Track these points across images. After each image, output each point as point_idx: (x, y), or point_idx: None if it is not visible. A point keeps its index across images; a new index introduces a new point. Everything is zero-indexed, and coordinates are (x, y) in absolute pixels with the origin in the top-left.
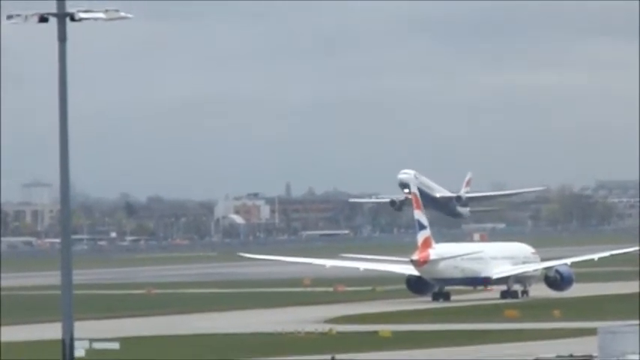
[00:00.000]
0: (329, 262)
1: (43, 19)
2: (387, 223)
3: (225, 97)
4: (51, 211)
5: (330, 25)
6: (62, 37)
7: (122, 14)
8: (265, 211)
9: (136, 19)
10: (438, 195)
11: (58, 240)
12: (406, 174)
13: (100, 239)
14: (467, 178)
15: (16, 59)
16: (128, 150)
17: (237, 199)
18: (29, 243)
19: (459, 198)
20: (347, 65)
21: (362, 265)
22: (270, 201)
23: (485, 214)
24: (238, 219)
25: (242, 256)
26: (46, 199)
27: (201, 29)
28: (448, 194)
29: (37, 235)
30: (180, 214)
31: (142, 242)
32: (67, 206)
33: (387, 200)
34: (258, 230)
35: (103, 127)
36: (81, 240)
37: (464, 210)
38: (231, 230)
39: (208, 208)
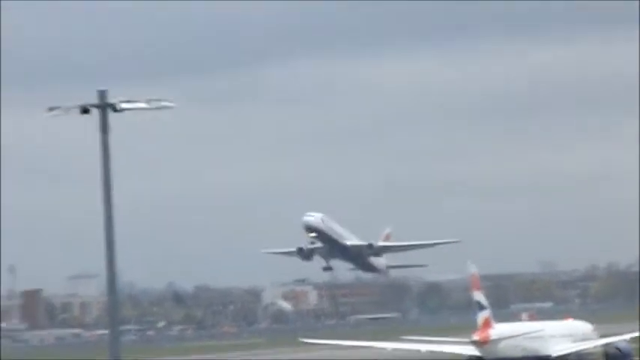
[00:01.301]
0: (391, 345)
1: (85, 110)
2: (436, 305)
3: (273, 185)
4: (98, 302)
5: (373, 108)
6: (104, 129)
7: (164, 103)
8: (313, 296)
9: (179, 106)
10: (348, 243)
11: (106, 331)
12: (312, 216)
13: (148, 329)
14: (385, 232)
15: (60, 147)
16: (174, 239)
17: (284, 285)
18: (77, 335)
19: (370, 246)
20: (391, 149)
21: (423, 347)
22: (317, 286)
23: (529, 292)
24: (286, 305)
25: (297, 342)
26: (93, 290)
27: (244, 114)
28: (359, 242)
29: (85, 326)
30: (228, 301)
31: (190, 331)
32: (115, 297)
33: (294, 250)
34: (306, 315)
35: (148, 216)
36: (129, 330)
37: (379, 262)
38: (280, 316)
39: (255, 295)
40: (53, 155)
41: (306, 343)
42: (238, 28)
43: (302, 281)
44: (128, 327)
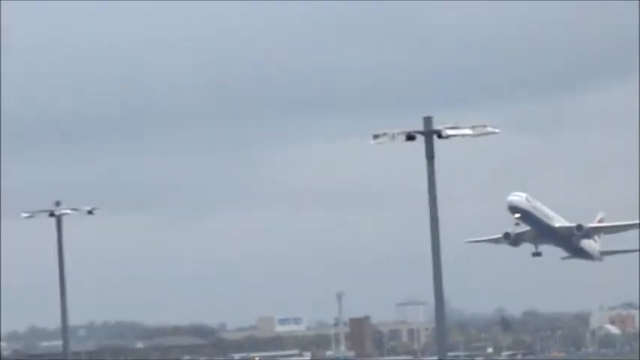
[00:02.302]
0: None
1: (410, 137)
2: None
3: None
4: (427, 329)
5: None
6: (430, 155)
7: (489, 129)
8: None
9: (504, 131)
10: (556, 225)
11: (435, 358)
12: (516, 196)
13: (477, 355)
14: (598, 217)
15: (384, 174)
16: (503, 264)
17: (611, 309)
18: None
19: (579, 227)
20: None
21: None
22: None
23: None
24: (613, 329)
25: None
26: (422, 317)
27: (566, 139)
28: (567, 224)
29: (413, 353)
30: (556, 327)
31: (518, 356)
32: (443, 323)
33: (500, 236)
34: (633, 340)
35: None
36: (457, 357)
37: (591, 247)
38: (607, 341)
39: (583, 319)
40: (377, 182)
41: None
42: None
43: (629, 304)
44: (457, 353)
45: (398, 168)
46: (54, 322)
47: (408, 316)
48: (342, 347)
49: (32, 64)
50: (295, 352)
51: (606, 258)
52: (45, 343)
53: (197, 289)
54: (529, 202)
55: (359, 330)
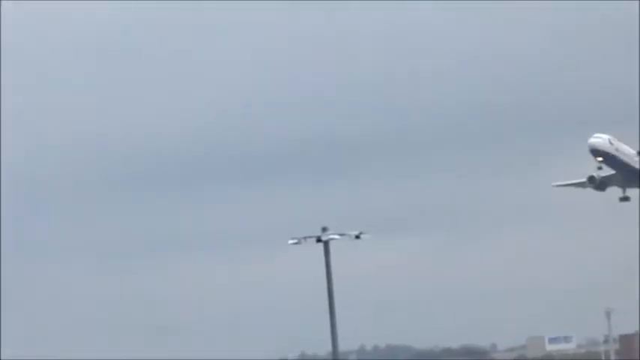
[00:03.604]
0: None
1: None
2: None
3: None
4: None
5: None
6: None
7: None
8: None
9: None
10: None
11: None
12: (598, 138)
13: None
14: None
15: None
16: None
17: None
18: None
19: None
20: None
21: None
22: None
23: None
24: None
25: None
26: None
27: None
28: None
29: None
30: None
31: None
32: None
33: (584, 180)
34: None
35: None
36: None
37: None
38: None
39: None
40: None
41: None
42: None
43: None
44: None
45: None
46: (325, 348)
47: None
48: None
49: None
50: None
51: None
52: None
53: (467, 310)
54: (612, 144)
55: (629, 346)
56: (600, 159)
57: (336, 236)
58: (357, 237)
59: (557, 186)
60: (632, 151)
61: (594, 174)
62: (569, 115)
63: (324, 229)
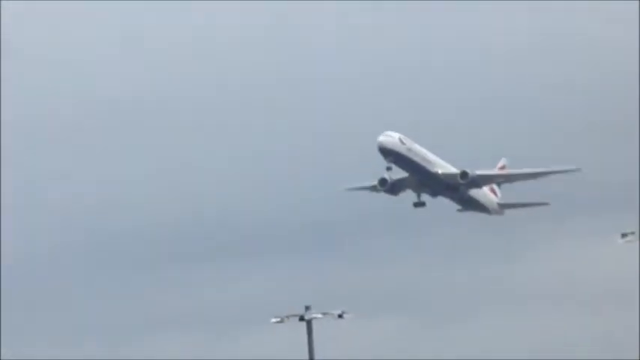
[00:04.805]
0: None
1: None
2: None
3: None
4: None
5: None
6: None
7: None
8: None
9: None
10: (439, 171)
11: None
12: (389, 136)
13: None
14: (500, 164)
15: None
16: None
17: None
18: None
19: (464, 175)
20: None
21: None
22: None
23: None
24: None
25: None
26: None
27: None
28: (452, 170)
29: None
30: None
31: None
32: None
33: (374, 184)
34: None
35: None
36: None
37: (487, 198)
38: None
39: None
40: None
41: None
42: None
43: None
44: None
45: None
46: None
47: None
48: None
49: None
50: None
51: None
52: None
53: None
54: (403, 143)
55: None
56: (391, 159)
57: (319, 315)
58: (340, 316)
59: (349, 190)
60: (429, 153)
61: (385, 176)
62: None
63: (307, 308)
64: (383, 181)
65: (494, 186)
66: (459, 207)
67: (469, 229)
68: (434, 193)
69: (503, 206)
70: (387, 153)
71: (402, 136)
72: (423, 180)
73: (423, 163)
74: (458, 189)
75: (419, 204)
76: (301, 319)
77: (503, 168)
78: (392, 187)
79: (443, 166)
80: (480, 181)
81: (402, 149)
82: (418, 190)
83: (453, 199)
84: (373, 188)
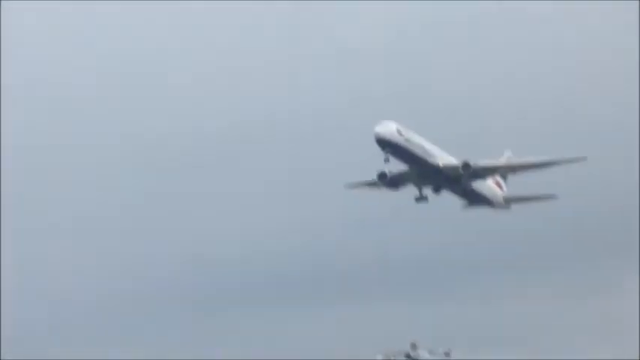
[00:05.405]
0: None
1: None
2: None
3: None
4: None
5: None
6: None
7: None
8: None
9: None
10: (440, 163)
11: None
12: (385, 127)
13: None
14: (504, 156)
15: None
16: None
17: None
18: None
19: (465, 166)
20: None
21: None
22: None
23: None
24: None
25: None
26: None
27: None
28: (453, 162)
29: None
30: None
31: None
32: None
33: (374, 179)
34: None
35: None
36: None
37: (492, 192)
38: None
39: None
40: None
41: None
42: None
43: None
44: None
45: None
46: None
47: None
48: None
49: None
50: None
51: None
52: None
53: None
54: (401, 134)
55: None
56: (388, 150)
57: (426, 354)
58: (447, 354)
59: (349, 186)
60: (427, 143)
61: (385, 170)
62: None
63: (413, 346)
64: (382, 175)
65: (500, 179)
66: (464, 202)
67: None
68: (436, 187)
69: (509, 200)
70: (384, 144)
71: (399, 126)
72: (423, 172)
73: (423, 155)
74: (460, 181)
75: (421, 198)
76: (407, 357)
77: (508, 159)
78: (392, 181)
79: (443, 158)
80: (482, 173)
81: (399, 140)
82: (419, 184)
83: (456, 192)
84: (373, 184)
